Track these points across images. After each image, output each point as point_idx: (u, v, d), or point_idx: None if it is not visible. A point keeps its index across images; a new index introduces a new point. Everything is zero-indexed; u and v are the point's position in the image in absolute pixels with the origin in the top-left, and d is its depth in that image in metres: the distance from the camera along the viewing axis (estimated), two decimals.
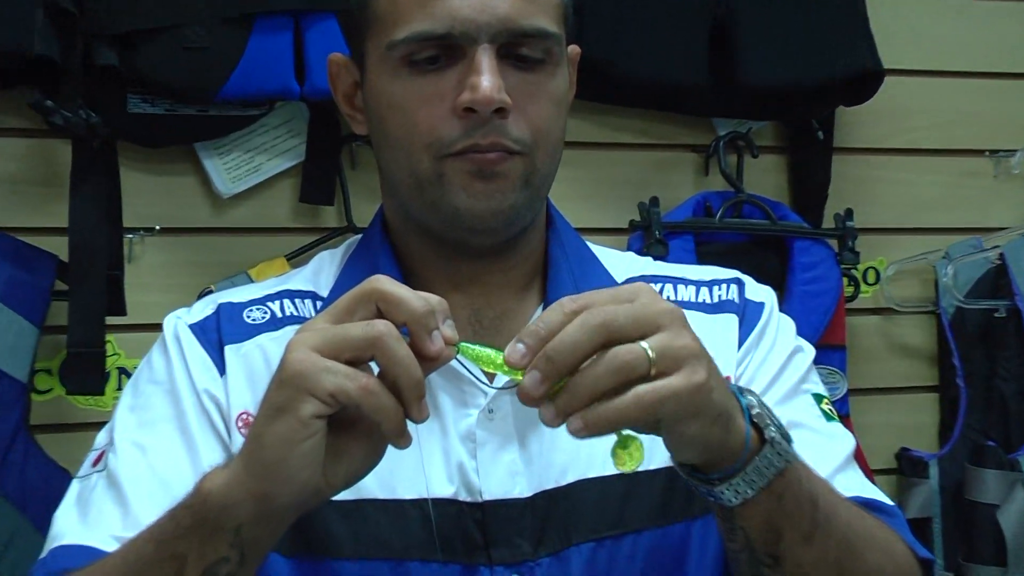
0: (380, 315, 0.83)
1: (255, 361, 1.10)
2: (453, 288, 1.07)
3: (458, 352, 0.85)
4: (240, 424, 1.08)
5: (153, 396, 1.11)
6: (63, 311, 1.75)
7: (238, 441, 1.06)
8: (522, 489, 1.05)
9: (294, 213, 1.97)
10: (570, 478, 1.05)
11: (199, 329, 1.13)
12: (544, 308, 1.05)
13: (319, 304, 1.13)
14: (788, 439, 0.89)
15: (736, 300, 1.17)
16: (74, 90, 1.70)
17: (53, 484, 1.74)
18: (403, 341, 0.82)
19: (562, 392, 0.80)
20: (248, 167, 1.92)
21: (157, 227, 1.89)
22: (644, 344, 0.80)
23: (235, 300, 1.16)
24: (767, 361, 1.14)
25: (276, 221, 1.96)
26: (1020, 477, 1.98)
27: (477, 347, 0.86)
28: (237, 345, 1.11)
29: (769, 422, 0.88)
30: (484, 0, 1.01)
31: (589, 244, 1.19)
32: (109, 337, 1.81)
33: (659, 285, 1.16)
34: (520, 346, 0.81)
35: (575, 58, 1.13)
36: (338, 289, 1.13)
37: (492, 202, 1.04)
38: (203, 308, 1.15)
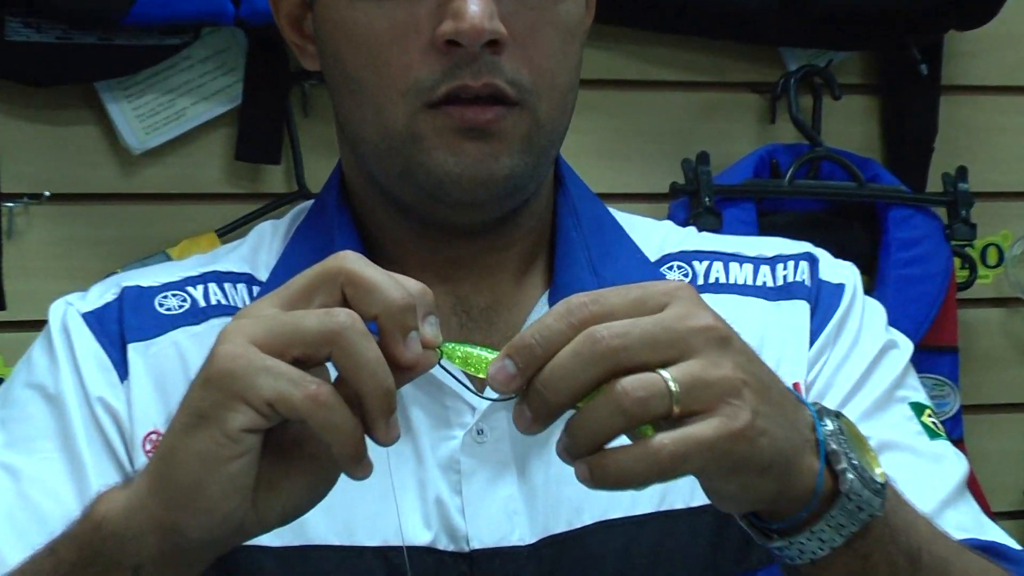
0: (345, 303, 0.83)
1: (168, 364, 1.11)
2: (431, 270, 1.09)
3: (441, 356, 0.86)
4: (148, 446, 1.09)
5: (31, 405, 1.12)
6: None
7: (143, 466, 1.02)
8: (523, 534, 1.06)
9: (228, 175, 1.94)
10: (587, 519, 1.06)
11: (95, 319, 1.14)
12: (552, 299, 1.09)
13: (256, 291, 1.15)
14: (877, 488, 0.86)
15: (807, 281, 1.18)
16: None
17: None
18: (372, 339, 0.81)
19: (562, 433, 0.80)
20: (167, 114, 1.90)
21: (46, 193, 1.86)
22: (666, 374, 0.78)
23: (145, 283, 1.16)
24: (849, 361, 1.15)
25: (204, 185, 1.93)
26: None
27: (465, 347, 0.86)
28: (145, 343, 1.12)
29: (848, 464, 0.85)
30: None
31: (613, 212, 1.20)
32: None
33: (705, 263, 1.18)
34: (508, 364, 0.80)
35: None
36: (281, 272, 1.14)
37: (484, 168, 1.05)
38: (102, 292, 1.16)
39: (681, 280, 1.20)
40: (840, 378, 1.15)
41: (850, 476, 0.86)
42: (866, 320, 1.18)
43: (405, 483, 1.08)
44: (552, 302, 1.09)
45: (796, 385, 1.13)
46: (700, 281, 1.18)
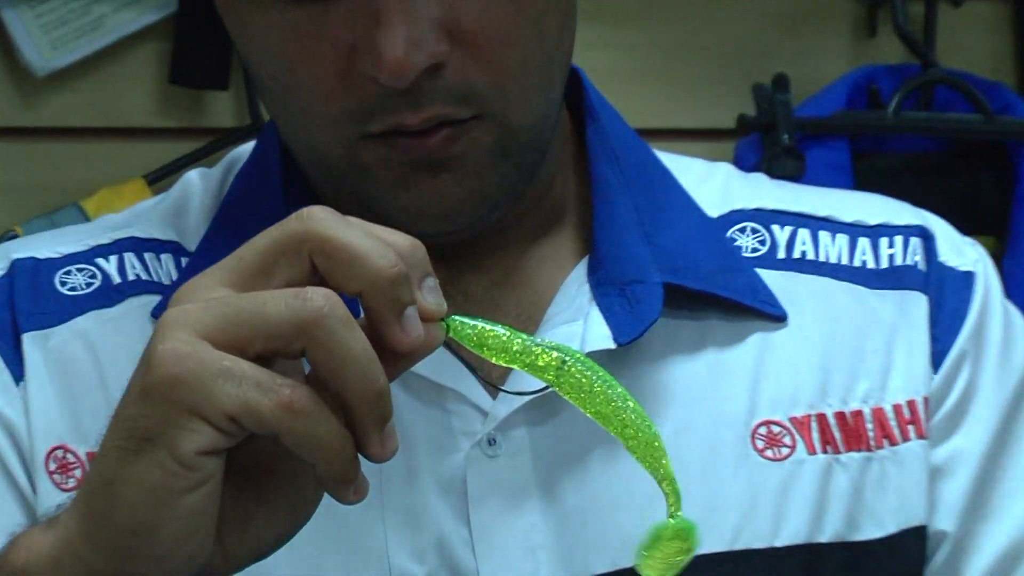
0: (316, 276, 0.80)
1: (76, 357, 1.09)
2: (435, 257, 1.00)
3: (448, 333, 0.84)
4: (53, 466, 1.07)
5: None
6: None
7: (47, 493, 1.06)
8: (551, 574, 1.04)
9: (160, 104, 1.93)
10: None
11: None
12: (593, 272, 1.09)
13: (183, 262, 1.13)
14: None
15: (920, 265, 1.14)
16: None
17: None
18: (355, 325, 0.79)
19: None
20: (80, 23, 1.88)
21: None
22: None
23: (42, 255, 1.13)
24: (991, 394, 1.12)
25: (129, 117, 1.91)
26: None
27: (478, 323, 0.84)
28: (44, 332, 1.10)
29: None
30: None
31: (659, 154, 1.17)
32: None
33: (788, 229, 1.15)
34: None
35: None
36: (213, 245, 1.12)
37: (447, 200, 1.04)
38: None
39: (755, 247, 1.17)
40: (978, 417, 1.12)
41: None
42: (1011, 330, 1.14)
43: (392, 510, 1.05)
44: (594, 275, 1.08)
45: (911, 403, 1.10)
46: (782, 254, 1.13)
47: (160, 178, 1.85)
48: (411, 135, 1.01)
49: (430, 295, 0.83)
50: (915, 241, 1.15)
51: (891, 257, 1.15)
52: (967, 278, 1.14)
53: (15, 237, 1.73)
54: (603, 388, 0.83)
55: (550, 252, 1.11)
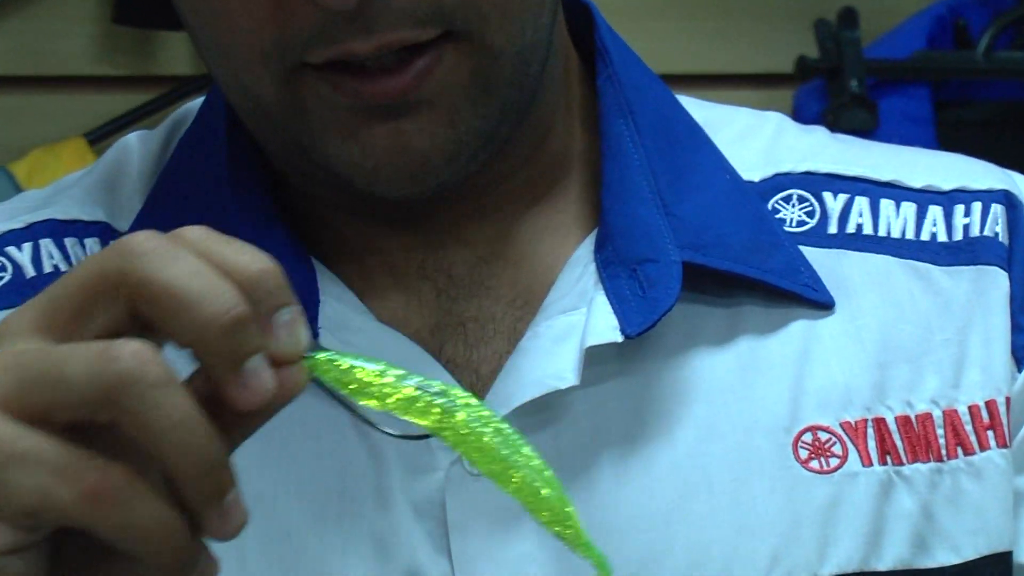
0: (137, 321, 0.69)
1: None
2: (380, 226, 0.97)
3: (314, 373, 0.72)
4: None
5: None
6: None
7: None
8: None
9: (102, 49, 1.86)
10: None
11: None
12: (600, 247, 0.98)
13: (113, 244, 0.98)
14: None
15: (1003, 237, 1.03)
16: None
17: None
18: (174, 384, 0.67)
19: None
20: None
21: None
22: None
23: None
24: None
25: (66, 65, 1.85)
26: None
27: (349, 360, 0.71)
28: None
29: None
30: None
31: (687, 102, 1.05)
32: None
33: (843, 198, 1.04)
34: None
35: None
36: (149, 221, 0.99)
37: (412, 154, 0.91)
38: None
39: (801, 220, 1.07)
40: None
41: None
42: None
43: (357, 538, 0.95)
44: (601, 253, 0.98)
45: (990, 403, 0.99)
46: (833, 228, 1.02)
47: (103, 136, 1.77)
48: (360, 73, 0.87)
49: (285, 333, 0.70)
50: (997, 208, 1.03)
51: (966, 228, 1.04)
52: None
53: None
54: (496, 444, 0.72)
55: (550, 221, 1.01)
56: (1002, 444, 0.98)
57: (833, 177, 1.05)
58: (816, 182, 1.05)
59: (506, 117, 0.94)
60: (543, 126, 1.00)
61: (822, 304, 1.00)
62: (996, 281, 1.02)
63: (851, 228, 1.04)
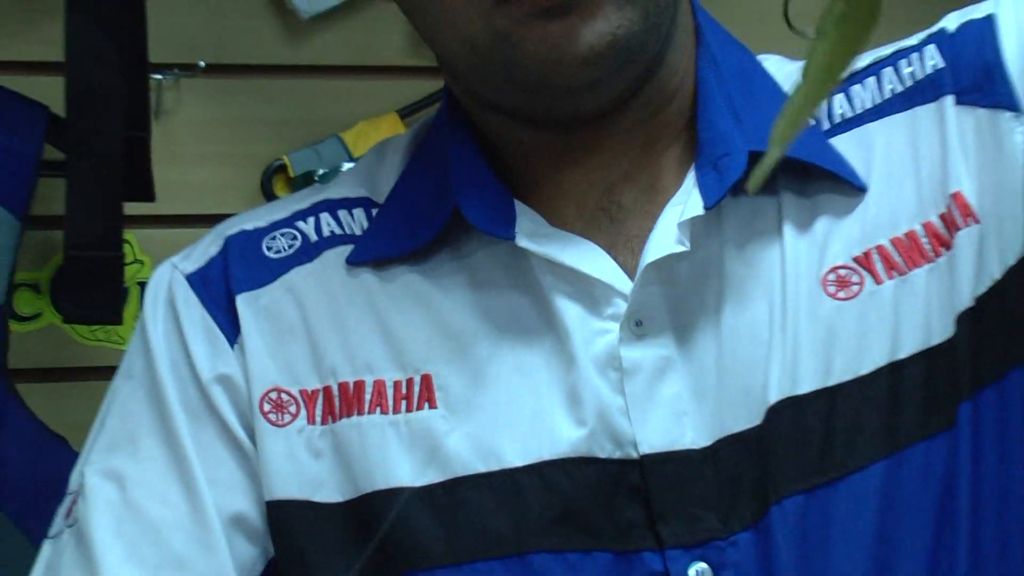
0: None
1: (284, 311, 1.15)
2: (565, 165, 1.12)
3: None
4: (268, 407, 1.13)
5: (130, 399, 1.17)
6: (58, 193, 1.76)
7: (264, 431, 1.13)
8: (696, 436, 1.08)
9: (413, 44, 1.98)
10: (761, 409, 1.09)
11: (199, 280, 1.18)
12: (699, 161, 1.12)
13: (374, 212, 1.20)
14: None
15: (940, 63, 1.15)
16: None
17: (41, 460, 1.80)
18: None
19: None
20: None
21: (201, 63, 1.91)
22: None
23: (251, 226, 1.20)
24: None
25: (385, 56, 1.99)
26: None
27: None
28: (255, 292, 1.16)
29: None
30: None
31: (764, 57, 1.22)
32: (128, 235, 1.86)
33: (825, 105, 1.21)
34: None
35: None
36: (401, 193, 1.19)
37: (581, 44, 1.03)
38: (206, 248, 1.20)
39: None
40: None
41: None
42: None
43: (553, 389, 1.10)
44: (701, 168, 1.12)
45: (958, 195, 1.11)
46: (826, 125, 1.17)
47: (411, 112, 1.92)
48: None
49: None
50: (930, 47, 1.17)
51: (912, 75, 1.17)
52: (984, 24, 1.15)
53: (283, 166, 1.93)
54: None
55: (675, 152, 1.16)
56: (970, 221, 1.12)
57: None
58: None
59: (648, 23, 1.08)
60: (676, 76, 1.15)
61: (858, 184, 1.14)
62: (945, 105, 1.15)
63: (838, 118, 1.18)
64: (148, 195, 1.77)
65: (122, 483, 1.12)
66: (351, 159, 1.95)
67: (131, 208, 1.76)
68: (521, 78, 1.06)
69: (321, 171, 1.96)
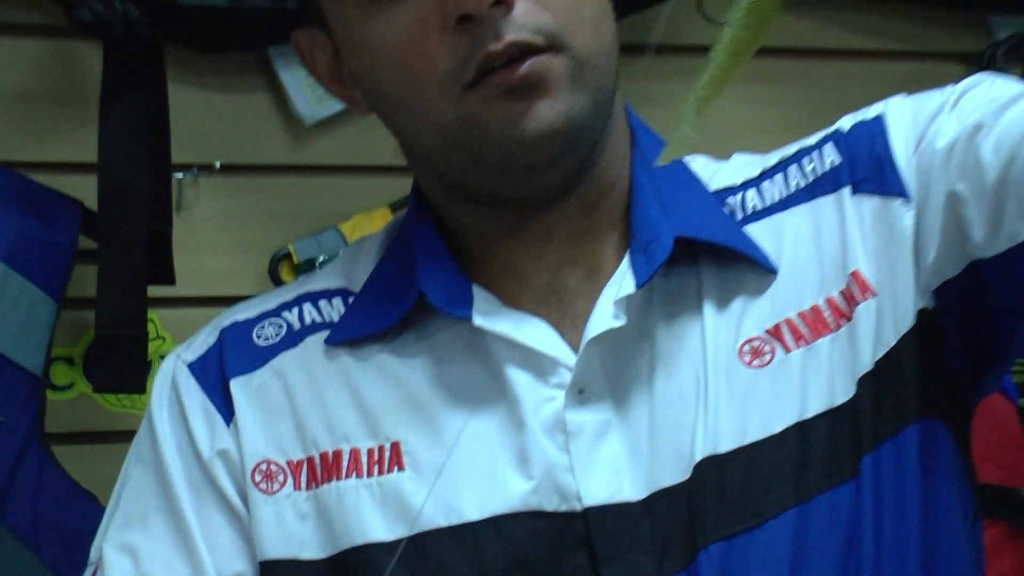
0: None
1: (271, 392, 1.18)
2: (519, 254, 1.14)
3: None
4: (259, 477, 1.16)
5: (141, 479, 1.20)
6: (90, 278, 1.81)
7: (256, 499, 1.15)
8: (632, 490, 1.10)
9: (398, 152, 1.88)
10: (688, 466, 1.11)
11: (199, 369, 1.21)
12: (633, 246, 1.14)
13: (350, 300, 1.22)
14: None
15: (837, 160, 1.18)
16: None
17: (73, 513, 1.81)
18: None
19: None
20: None
21: (217, 164, 1.94)
22: None
23: (242, 318, 1.23)
24: (929, 129, 1.14)
25: (377, 157, 1.98)
26: None
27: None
28: (247, 376, 1.19)
29: None
30: None
31: (691, 158, 1.24)
32: (152, 314, 1.87)
33: (738, 196, 1.21)
34: None
35: None
36: (374, 282, 1.21)
37: (541, 120, 1.07)
38: (204, 339, 1.23)
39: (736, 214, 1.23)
40: (936, 145, 1.13)
41: None
42: (922, 102, 1.16)
43: (506, 450, 1.12)
44: (633, 253, 1.14)
45: (856, 273, 1.13)
46: (740, 215, 1.20)
47: (401, 206, 1.93)
48: (501, 69, 1.07)
49: None
50: (828, 145, 1.20)
51: (813, 170, 1.19)
52: (875, 122, 1.18)
53: (288, 254, 1.95)
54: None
55: (613, 244, 1.18)
56: (868, 295, 1.13)
57: (730, 188, 1.22)
58: (723, 194, 1.22)
59: (596, 109, 1.11)
60: (614, 171, 1.17)
61: (768, 266, 1.15)
62: (842, 196, 1.16)
63: (751, 210, 1.20)
64: (169, 279, 1.83)
65: (135, 556, 1.16)
66: (347, 246, 1.80)
67: (154, 291, 1.80)
68: (487, 157, 1.09)
69: (322, 257, 1.96)
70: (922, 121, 1.16)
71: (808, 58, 2.05)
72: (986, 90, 1.14)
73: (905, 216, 1.14)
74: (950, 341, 1.14)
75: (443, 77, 1.07)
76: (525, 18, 1.06)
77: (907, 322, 1.13)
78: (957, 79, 1.87)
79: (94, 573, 1.18)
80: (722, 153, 1.25)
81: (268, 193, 1.97)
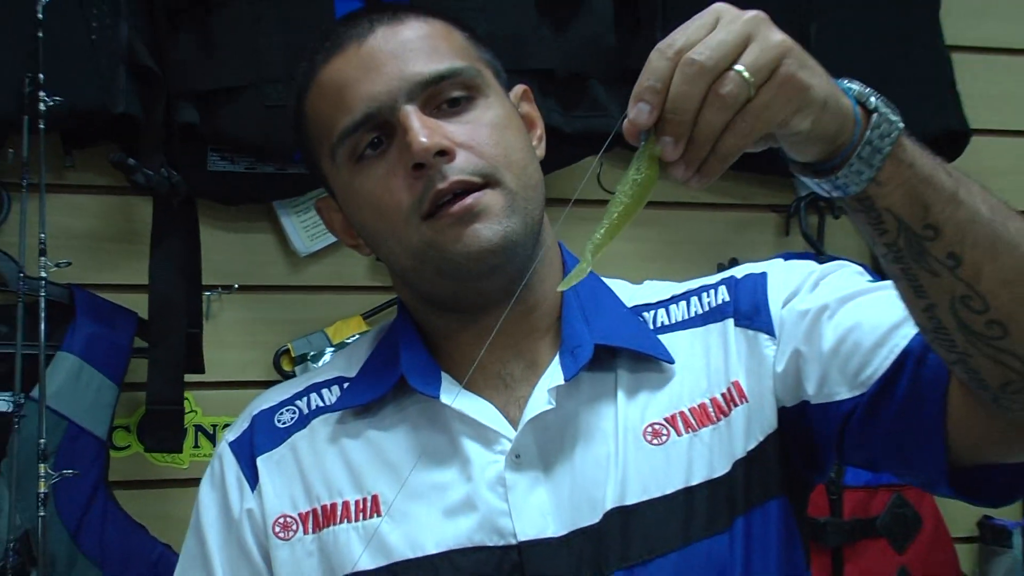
0: None
1: (287, 464, 1.20)
2: (479, 347, 1.14)
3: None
4: (278, 529, 1.17)
5: (189, 543, 1.23)
6: (142, 368, 1.87)
7: (276, 545, 1.17)
8: (555, 528, 1.11)
9: (371, 271, 2.05)
10: (600, 512, 1.12)
11: (237, 447, 1.23)
12: (563, 351, 1.15)
13: (345, 385, 1.24)
14: (896, 109, 0.94)
15: (728, 298, 1.21)
16: (155, 148, 1.81)
17: (130, 541, 1.86)
18: None
19: (688, 148, 0.87)
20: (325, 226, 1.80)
21: (236, 285, 1.99)
22: (739, 67, 0.86)
23: (267, 406, 1.26)
24: (795, 296, 1.18)
25: (353, 279, 2.05)
26: None
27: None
28: (269, 454, 1.21)
29: (871, 95, 0.93)
30: (389, 72, 1.12)
31: (607, 279, 1.27)
32: (188, 395, 1.92)
33: (651, 312, 1.23)
34: (642, 105, 0.88)
35: (525, 94, 1.25)
36: (367, 368, 1.24)
37: (483, 238, 1.10)
38: (241, 423, 1.26)
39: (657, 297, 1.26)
40: (796, 317, 1.16)
41: (874, 100, 0.93)
42: (795, 273, 1.19)
43: (459, 500, 1.14)
44: (563, 354, 1.16)
45: (736, 383, 1.16)
46: (651, 326, 1.22)
47: (370, 315, 2.00)
48: (448, 203, 1.09)
49: None
50: (722, 287, 1.21)
51: (709, 303, 1.21)
52: (760, 276, 1.19)
53: (287, 350, 2.00)
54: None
55: (549, 344, 1.19)
56: (742, 401, 1.14)
57: (646, 304, 1.23)
58: (639, 308, 1.23)
59: (526, 230, 1.12)
60: (547, 286, 1.19)
61: (669, 360, 1.16)
62: (726, 327, 1.18)
63: (659, 324, 1.21)
64: (200, 369, 1.90)
65: None
66: (331, 344, 1.96)
67: (190, 378, 1.88)
68: (445, 269, 1.11)
69: (312, 352, 1.96)
70: (791, 287, 1.18)
71: (667, 208, 2.09)
72: (838, 279, 1.16)
73: (768, 348, 1.16)
74: (790, 447, 1.16)
75: (407, 210, 1.10)
76: (464, 163, 1.10)
77: (770, 425, 1.15)
78: (772, 225, 2.12)
79: None
80: (613, 273, 1.27)
81: (272, 306, 2.00)
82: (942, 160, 0.97)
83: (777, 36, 0.88)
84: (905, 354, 1.06)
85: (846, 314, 1.11)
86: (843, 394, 1.09)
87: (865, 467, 1.16)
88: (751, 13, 0.89)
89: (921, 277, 0.95)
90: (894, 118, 0.93)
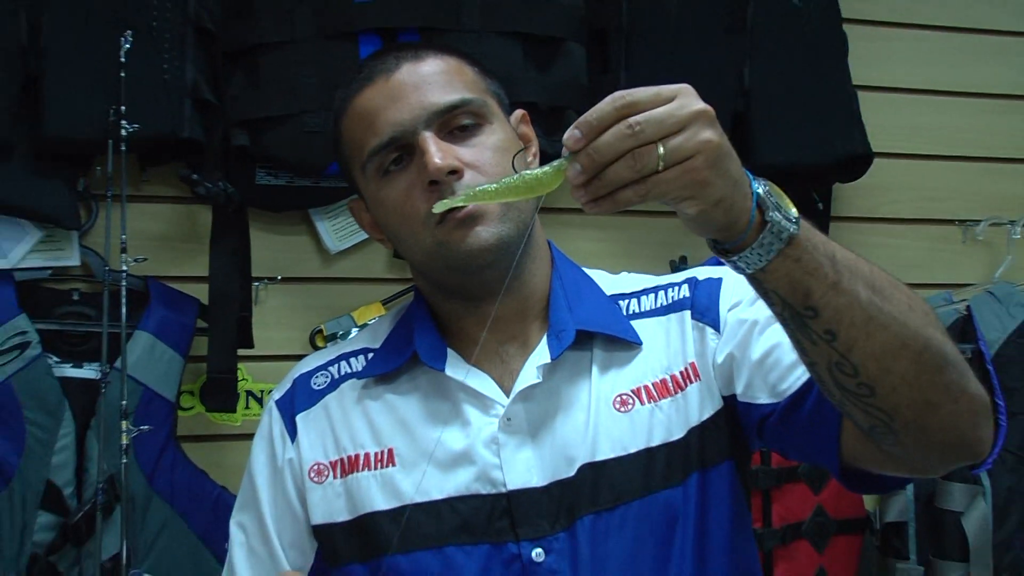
0: None
1: (320, 421, 1.26)
2: (481, 328, 1.20)
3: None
4: (312, 474, 1.23)
5: (244, 481, 1.30)
6: (203, 344, 1.99)
7: (311, 488, 1.22)
8: (538, 480, 1.17)
9: (389, 266, 2.16)
10: (575, 467, 1.17)
11: (282, 405, 1.28)
12: (549, 336, 1.20)
13: (370, 355, 1.30)
14: (794, 220, 0.94)
15: (688, 295, 1.25)
16: (214, 165, 1.95)
17: (195, 484, 1.96)
18: None
19: (591, 181, 0.89)
20: (352, 228, 2.10)
21: (279, 277, 2.09)
22: (660, 148, 0.87)
23: (306, 369, 1.31)
24: (738, 305, 1.22)
25: (374, 272, 2.16)
26: (980, 490, 2.17)
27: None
28: (306, 412, 1.26)
29: (771, 204, 0.93)
30: (411, 102, 1.17)
31: (589, 270, 1.32)
32: (240, 365, 2.02)
33: (626, 301, 1.27)
34: (576, 132, 0.90)
35: (523, 118, 1.29)
36: (391, 341, 1.29)
37: (483, 239, 1.14)
38: (285, 384, 1.32)
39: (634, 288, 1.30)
40: (736, 319, 1.20)
41: (772, 213, 0.92)
42: (744, 284, 1.11)
43: (459, 455, 1.17)
44: (550, 337, 1.20)
45: (692, 364, 1.19)
46: (625, 312, 1.25)
47: (388, 301, 2.09)
48: (452, 212, 1.11)
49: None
50: (685, 286, 1.25)
51: (672, 297, 1.24)
52: (716, 281, 1.23)
53: (320, 330, 2.09)
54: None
55: (538, 327, 1.22)
56: (696, 380, 1.17)
57: (624, 293, 1.25)
58: (616, 297, 1.25)
59: (518, 232, 1.13)
60: (537, 279, 1.21)
61: (637, 343, 1.19)
62: (684, 317, 1.21)
63: (631, 312, 1.23)
64: (250, 345, 2.01)
65: (244, 530, 1.25)
66: (356, 325, 2.04)
67: (242, 352, 1.99)
68: (452, 263, 1.14)
69: (340, 332, 2.02)
70: (737, 296, 1.21)
71: (628, 215, 2.09)
72: None
73: (713, 340, 1.20)
74: (732, 422, 1.21)
75: (423, 217, 1.13)
76: (471, 181, 1.13)
77: (717, 403, 1.19)
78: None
79: (229, 537, 1.28)
80: (590, 265, 1.30)
81: (308, 294, 2.08)
82: (839, 247, 0.98)
83: (706, 135, 0.89)
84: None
85: (773, 332, 1.15)
86: (763, 399, 1.15)
87: (779, 454, 1.24)
88: (701, 107, 0.90)
89: (803, 342, 0.99)
90: (787, 224, 0.93)
